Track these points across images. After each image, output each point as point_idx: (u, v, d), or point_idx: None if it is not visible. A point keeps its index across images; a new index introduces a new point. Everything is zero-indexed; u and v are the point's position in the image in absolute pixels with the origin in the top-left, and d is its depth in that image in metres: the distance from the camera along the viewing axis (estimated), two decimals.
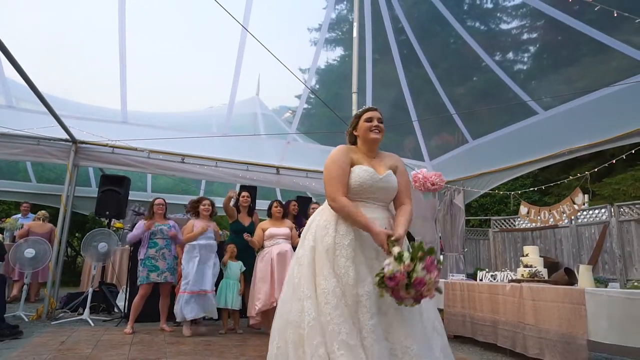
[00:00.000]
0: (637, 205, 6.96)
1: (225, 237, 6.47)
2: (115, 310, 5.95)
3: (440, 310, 5.23)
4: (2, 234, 7.72)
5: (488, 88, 6.11)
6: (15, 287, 6.93)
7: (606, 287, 3.99)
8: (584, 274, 3.93)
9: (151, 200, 5.36)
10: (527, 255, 4.77)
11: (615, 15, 3.62)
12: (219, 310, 4.95)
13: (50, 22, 5.74)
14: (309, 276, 2.05)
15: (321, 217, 2.20)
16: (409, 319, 1.99)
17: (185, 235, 4.93)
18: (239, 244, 5.16)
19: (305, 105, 7.29)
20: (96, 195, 6.46)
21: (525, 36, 5.85)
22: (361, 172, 2.17)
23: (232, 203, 5.45)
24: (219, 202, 9.59)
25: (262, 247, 4.97)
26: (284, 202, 5.57)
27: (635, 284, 4.18)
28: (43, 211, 7.43)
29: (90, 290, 5.56)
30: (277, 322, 2.12)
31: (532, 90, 5.56)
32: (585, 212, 7.73)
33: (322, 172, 2.26)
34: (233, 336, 4.83)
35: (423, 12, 6.24)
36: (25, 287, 5.56)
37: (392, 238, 1.98)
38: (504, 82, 5.56)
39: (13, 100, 5.92)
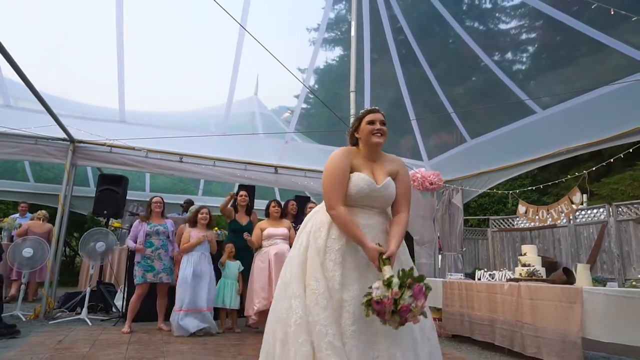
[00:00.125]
0: (635, 205, 6.98)
1: (224, 236, 6.47)
2: (113, 309, 5.94)
3: (439, 310, 5.23)
4: (0, 233, 7.71)
5: (487, 88, 6.11)
6: (13, 287, 6.92)
7: (604, 286, 3.99)
8: (581, 273, 3.94)
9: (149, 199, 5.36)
10: (525, 254, 4.77)
11: (612, 12, 3.62)
12: (217, 309, 4.94)
13: (49, 22, 5.72)
14: (299, 275, 2.06)
15: (317, 219, 2.21)
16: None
17: (182, 245, 4.92)
18: (237, 243, 5.16)
19: (304, 105, 7.29)
20: (94, 195, 6.45)
21: (523, 36, 5.85)
22: (359, 181, 2.15)
23: (229, 204, 5.44)
24: (218, 202, 9.62)
25: (260, 246, 4.97)
26: (282, 202, 5.57)
27: (634, 283, 4.19)
28: (43, 211, 7.42)
29: (88, 289, 5.55)
30: (269, 319, 2.15)
31: (531, 90, 5.57)
32: (583, 212, 7.75)
33: (320, 171, 2.26)
34: (231, 335, 4.82)
35: (422, 12, 6.24)
36: (23, 286, 5.55)
37: (384, 256, 1.99)
38: (502, 82, 5.55)
39: (11, 99, 5.91)
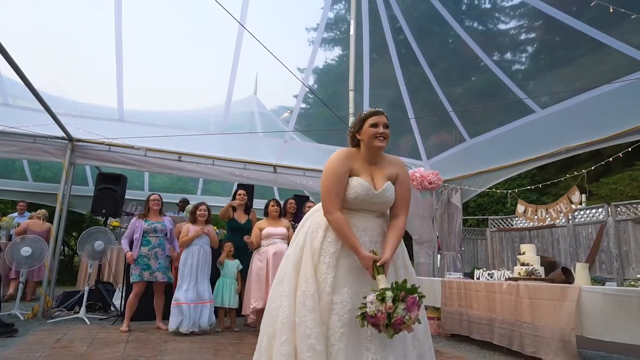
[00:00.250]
0: (634, 205, 6.99)
1: (222, 235, 6.47)
2: (112, 308, 5.92)
3: (437, 309, 5.23)
4: None
5: (486, 88, 6.11)
6: (11, 286, 6.91)
7: (603, 286, 3.99)
8: (580, 272, 3.94)
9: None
10: (524, 253, 4.77)
11: (611, 10, 3.61)
12: (215, 308, 4.94)
13: (48, 21, 5.72)
14: (292, 275, 2.07)
15: (315, 219, 2.20)
16: None
17: (180, 238, 4.93)
18: (236, 242, 5.15)
19: (303, 105, 7.28)
20: (93, 194, 6.44)
21: (523, 36, 5.85)
22: (357, 187, 2.12)
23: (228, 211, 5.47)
24: (216, 201, 9.61)
25: (259, 246, 4.97)
26: (281, 201, 5.56)
27: (632, 283, 4.18)
28: (43, 210, 7.41)
29: (87, 288, 5.54)
30: (264, 315, 2.17)
31: (531, 90, 5.57)
32: (582, 212, 7.76)
33: (319, 170, 2.25)
34: (229, 334, 4.82)
35: (421, 12, 6.24)
36: (21, 285, 5.54)
37: (378, 263, 1.98)
38: (502, 82, 5.55)
39: (9, 98, 5.90)
